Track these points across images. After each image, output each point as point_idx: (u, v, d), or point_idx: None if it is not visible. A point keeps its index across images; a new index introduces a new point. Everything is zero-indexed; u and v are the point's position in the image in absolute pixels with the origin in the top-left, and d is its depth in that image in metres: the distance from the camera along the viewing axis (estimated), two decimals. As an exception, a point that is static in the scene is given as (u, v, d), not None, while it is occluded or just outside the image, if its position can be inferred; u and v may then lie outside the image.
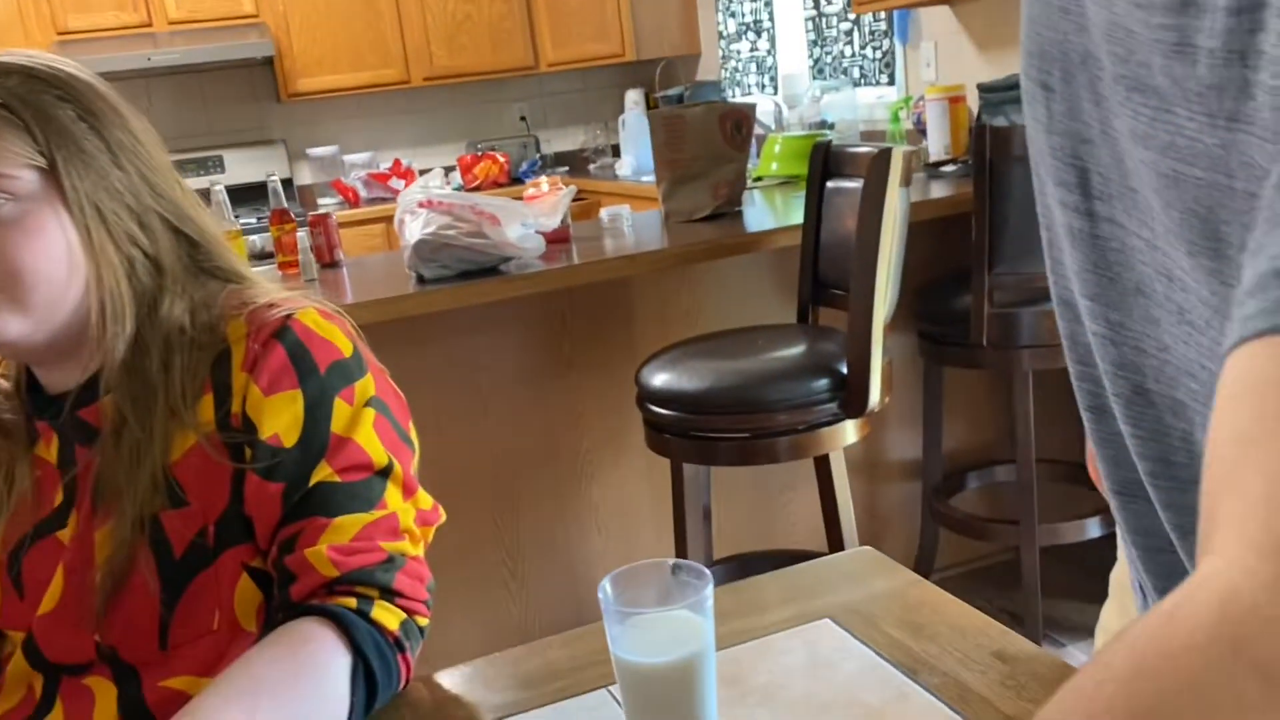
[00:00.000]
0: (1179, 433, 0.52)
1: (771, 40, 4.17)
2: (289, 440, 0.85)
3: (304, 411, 0.86)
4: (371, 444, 0.87)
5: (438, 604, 2.33)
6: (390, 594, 0.84)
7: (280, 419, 0.85)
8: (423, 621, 0.88)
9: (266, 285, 0.96)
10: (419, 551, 0.89)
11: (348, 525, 0.84)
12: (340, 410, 0.87)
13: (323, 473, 0.85)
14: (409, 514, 0.88)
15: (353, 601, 0.83)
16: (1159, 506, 0.55)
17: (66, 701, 0.89)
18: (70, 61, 0.91)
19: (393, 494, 0.87)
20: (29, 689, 0.90)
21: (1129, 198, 0.49)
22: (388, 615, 0.83)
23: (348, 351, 0.90)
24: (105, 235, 0.86)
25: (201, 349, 0.88)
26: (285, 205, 2.49)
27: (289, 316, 0.88)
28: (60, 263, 0.85)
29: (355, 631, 0.81)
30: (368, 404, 0.89)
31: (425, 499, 0.92)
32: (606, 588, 0.77)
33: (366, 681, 0.81)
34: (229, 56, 4.43)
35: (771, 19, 4.15)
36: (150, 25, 4.38)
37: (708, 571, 0.78)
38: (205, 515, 0.86)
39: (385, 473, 0.88)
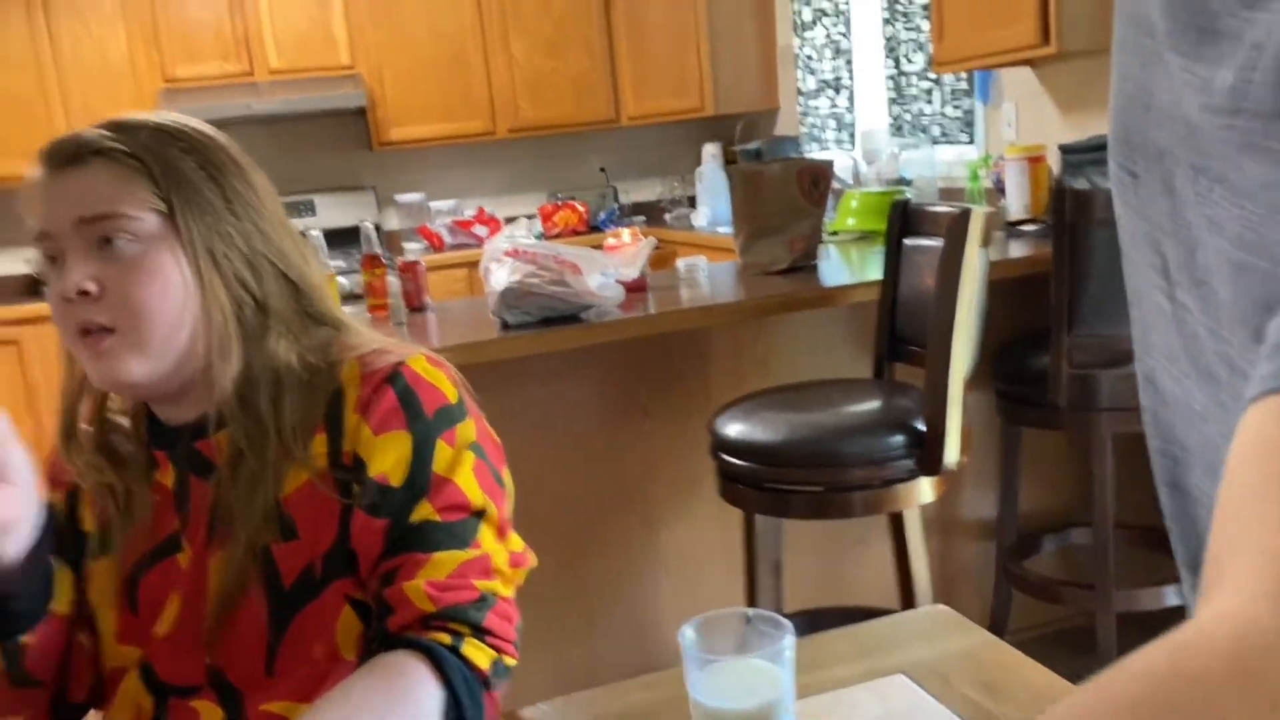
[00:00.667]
0: None
1: (850, 97, 4.21)
2: (395, 479, 0.90)
3: (410, 452, 0.90)
4: (469, 486, 0.91)
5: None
6: (481, 632, 0.87)
7: (388, 458, 0.90)
8: (510, 661, 0.90)
9: (369, 332, 1.01)
10: (509, 592, 0.92)
11: (444, 562, 0.88)
12: (442, 452, 0.91)
13: (424, 511, 0.89)
14: (501, 555, 0.92)
15: (446, 638, 0.86)
16: None
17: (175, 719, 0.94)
18: (197, 120, 0.99)
19: (487, 535, 0.91)
20: (138, 709, 0.95)
21: (1199, 289, 0.51)
22: (478, 653, 0.87)
23: (452, 398, 0.95)
24: (216, 276, 0.92)
25: (314, 390, 0.93)
26: (377, 250, 2.58)
27: (400, 363, 0.94)
28: (175, 302, 0.91)
29: (447, 666, 0.84)
30: (468, 448, 0.93)
31: (516, 541, 0.96)
32: (688, 633, 0.80)
33: (456, 714, 0.84)
34: (325, 106, 4.62)
35: (851, 77, 4.19)
36: (252, 75, 4.59)
37: (787, 622, 0.80)
38: (314, 548, 0.91)
39: (481, 514, 0.92)
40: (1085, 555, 2.52)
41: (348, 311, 1.09)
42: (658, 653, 2.55)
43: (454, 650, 0.86)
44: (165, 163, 0.93)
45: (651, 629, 2.55)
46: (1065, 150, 2.72)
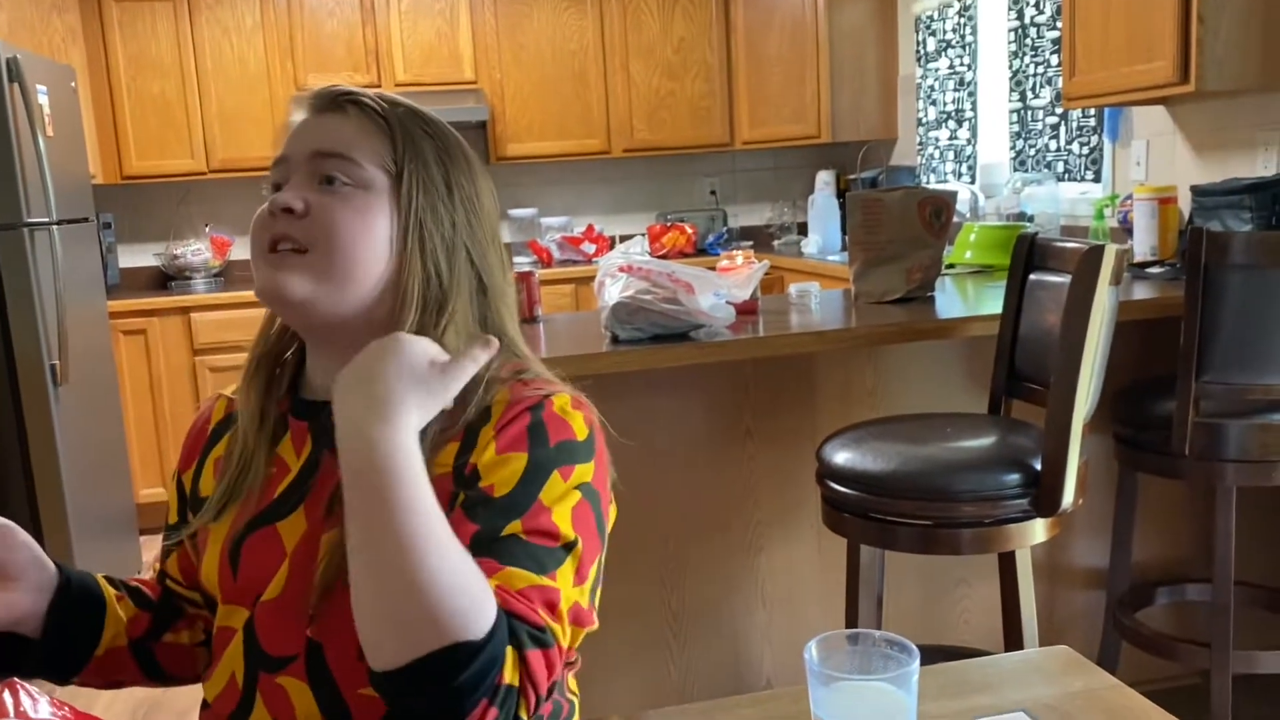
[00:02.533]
0: None
1: (972, 130, 4.15)
2: (500, 492, 0.90)
3: (523, 471, 0.91)
4: (565, 521, 0.90)
5: (602, 655, 2.37)
6: (524, 661, 0.81)
7: (501, 474, 0.91)
8: (522, 714, 0.82)
9: (533, 358, 1.03)
10: (564, 642, 0.86)
11: (517, 577, 0.85)
12: (554, 483, 0.91)
13: (514, 528, 0.88)
14: (570, 599, 0.88)
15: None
16: None
17: (266, 699, 0.96)
18: (446, 122, 1.05)
19: (566, 571, 0.88)
20: (231, 680, 0.98)
21: None
22: (510, 672, 0.80)
23: (581, 436, 0.95)
24: (418, 245, 0.97)
25: (462, 404, 0.93)
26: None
27: (545, 396, 0.95)
28: (369, 246, 0.96)
29: (499, 629, 0.79)
30: (579, 487, 0.92)
31: (588, 595, 0.91)
32: (812, 650, 0.80)
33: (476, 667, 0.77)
34: (447, 119, 4.72)
35: (974, 109, 4.13)
36: (380, 85, 4.74)
37: (914, 647, 0.79)
38: None
39: (568, 548, 0.89)
40: (1200, 611, 2.42)
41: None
42: (749, 677, 2.53)
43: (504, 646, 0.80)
44: (408, 134, 0.99)
45: (745, 654, 2.53)
46: (1198, 192, 2.63)
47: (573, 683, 1.07)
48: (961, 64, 4.16)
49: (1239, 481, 2.15)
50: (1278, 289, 2.01)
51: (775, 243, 5.10)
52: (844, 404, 2.47)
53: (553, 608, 0.86)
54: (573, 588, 0.89)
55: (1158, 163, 3.07)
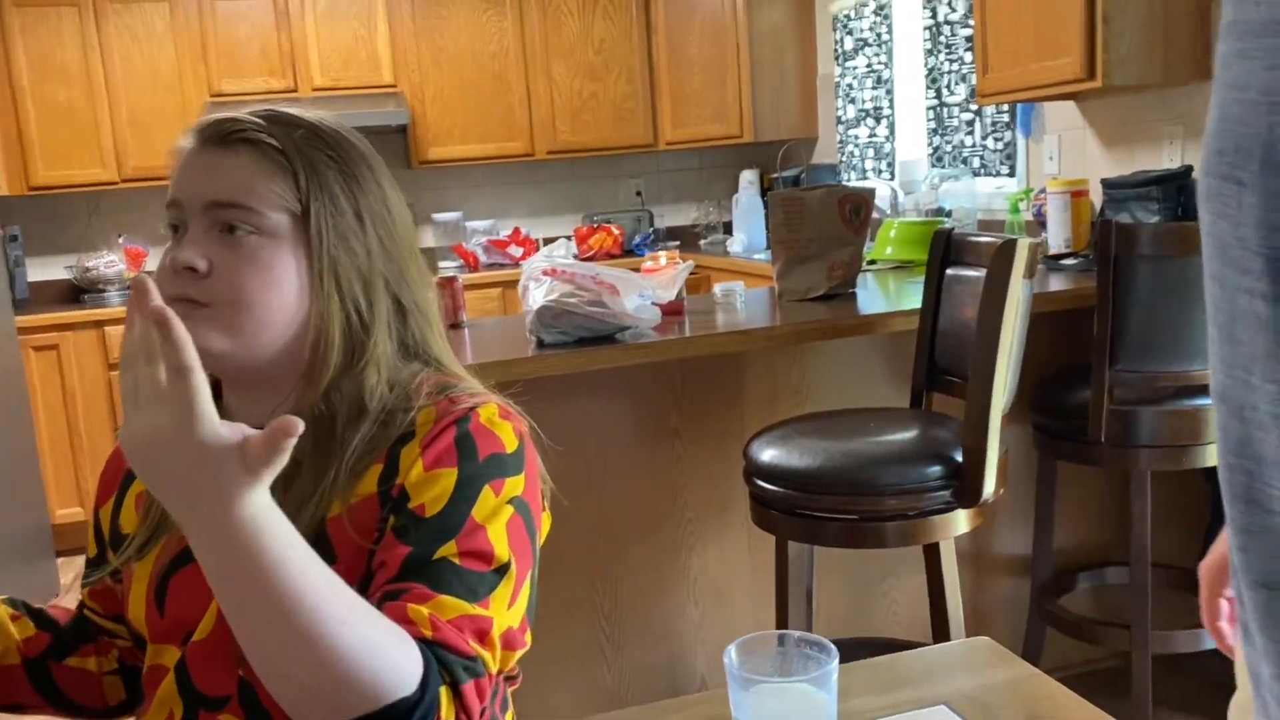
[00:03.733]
0: None
1: (891, 127, 4.21)
2: (431, 511, 0.88)
3: (453, 488, 0.88)
4: (499, 539, 0.88)
5: (536, 660, 2.35)
6: (459, 695, 0.80)
7: (431, 492, 0.88)
8: None
9: (463, 375, 1.00)
10: (494, 669, 0.85)
11: (449, 606, 0.83)
12: (486, 498, 0.89)
13: (447, 550, 0.86)
14: (502, 625, 0.86)
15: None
16: None
17: None
18: (352, 129, 1.00)
19: (500, 596, 0.87)
20: (170, 716, 0.95)
21: None
22: (445, 709, 0.79)
23: (511, 448, 0.93)
24: (333, 289, 0.93)
25: (387, 426, 0.91)
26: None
27: (471, 409, 0.93)
28: (281, 302, 0.92)
29: (431, 670, 0.78)
30: (511, 501, 0.90)
31: (519, 614, 0.90)
32: (732, 654, 0.80)
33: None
34: (366, 123, 4.67)
35: (892, 106, 4.19)
36: (296, 91, 4.65)
37: (833, 646, 0.80)
38: (349, 576, 0.87)
39: (501, 571, 0.87)
40: (1121, 594, 2.48)
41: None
42: (683, 678, 2.53)
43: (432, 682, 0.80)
44: (311, 166, 0.93)
45: (679, 654, 2.53)
46: (1108, 185, 2.70)
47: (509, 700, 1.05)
48: (879, 62, 4.22)
49: (1152, 466, 2.21)
50: (1184, 279, 2.06)
51: (701, 242, 5.13)
52: (770, 402, 2.49)
53: (484, 636, 0.84)
54: (506, 611, 0.87)
55: (1070, 157, 3.15)
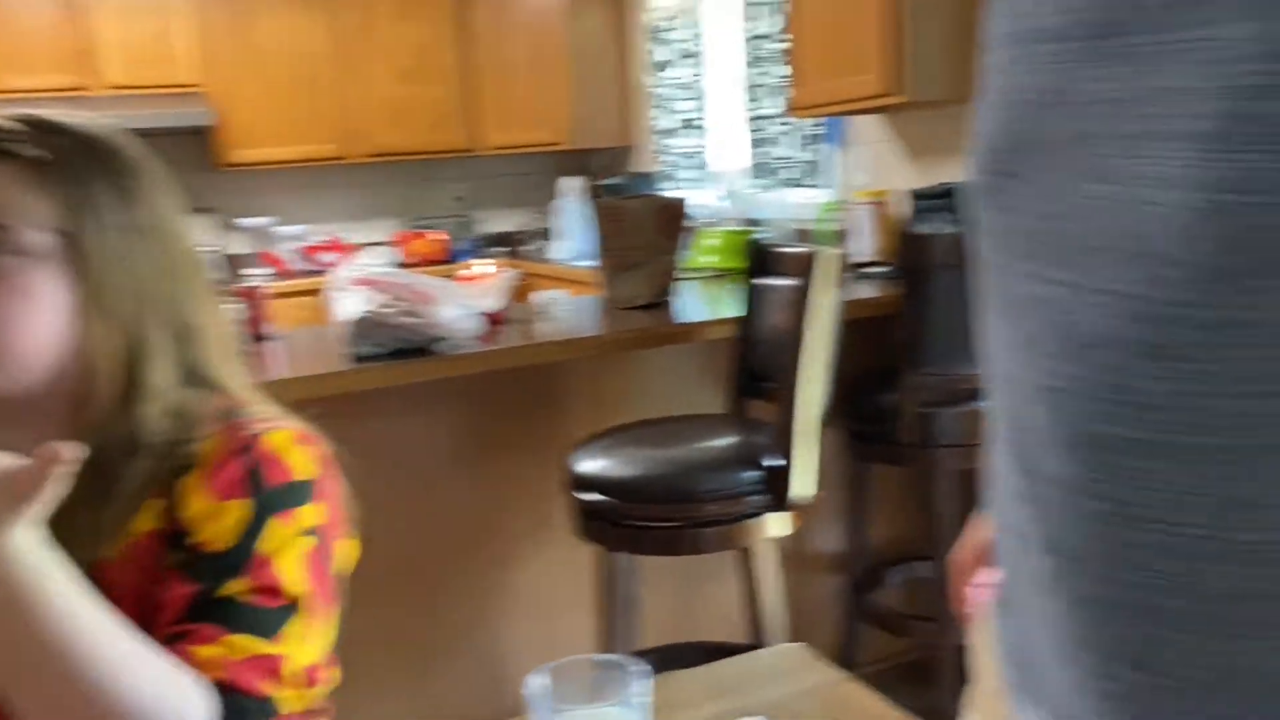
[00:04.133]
0: None
1: (708, 137, 4.29)
2: (216, 546, 0.82)
3: (238, 523, 0.83)
4: (292, 572, 0.83)
5: (352, 689, 2.25)
6: None
7: (215, 526, 0.83)
8: None
9: (255, 399, 0.93)
10: (294, 708, 0.82)
11: (239, 645, 0.79)
12: (273, 530, 0.84)
13: (235, 587, 0.81)
14: (299, 661, 0.82)
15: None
16: None
17: None
18: (123, 133, 0.91)
19: (294, 632, 0.82)
20: None
21: (1087, 257, 0.57)
22: None
23: (304, 475, 0.87)
24: (101, 315, 0.84)
25: (167, 459, 0.85)
26: (216, 275, 2.46)
27: (258, 436, 0.87)
28: (38, 328, 0.83)
29: (219, 715, 0.75)
30: (306, 533, 0.85)
31: (319, 648, 0.86)
32: (534, 683, 0.77)
33: None
34: (167, 124, 4.41)
35: (710, 117, 4.27)
36: (88, 89, 4.35)
37: (642, 666, 0.78)
38: (130, 620, 0.83)
39: (295, 606, 0.83)
40: (929, 589, 2.59)
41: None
42: (508, 696, 2.49)
43: None
44: (78, 181, 0.84)
45: (504, 673, 2.48)
46: (913, 196, 2.83)
47: None
48: (695, 74, 4.29)
49: (955, 465, 2.32)
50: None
51: (525, 248, 5.09)
52: (595, 411, 2.48)
53: (278, 674, 0.80)
54: (303, 647, 0.82)
55: (878, 169, 3.28)
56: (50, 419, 0.87)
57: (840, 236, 3.23)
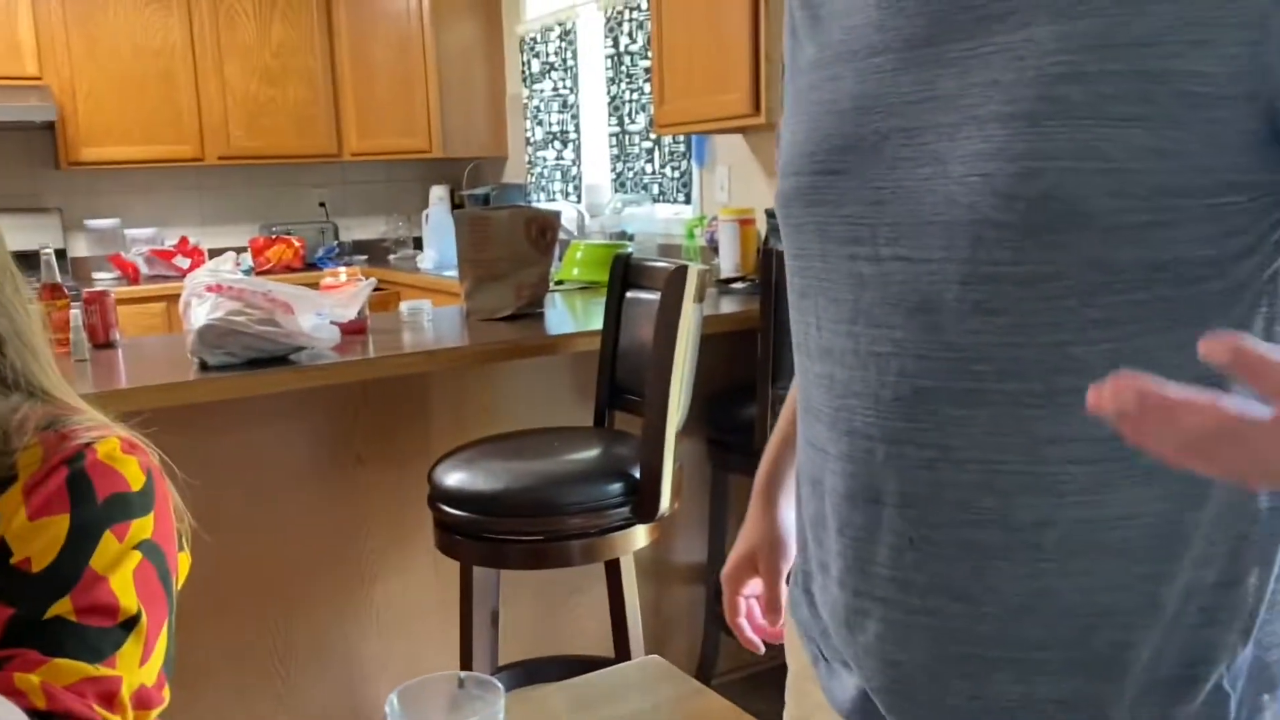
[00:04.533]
0: None
1: (577, 151, 4.31)
2: (39, 564, 0.77)
3: (65, 538, 0.78)
4: (125, 590, 0.79)
5: (204, 706, 2.18)
6: None
7: (37, 543, 0.78)
8: None
9: (76, 407, 0.88)
10: None
11: (66, 671, 0.75)
12: (107, 545, 0.79)
13: (62, 608, 0.77)
14: (133, 684, 0.78)
15: None
16: None
17: None
18: None
19: (129, 654, 0.78)
20: None
21: (920, 229, 0.65)
22: None
23: (136, 486, 0.83)
24: None
25: (25, 483, 0.79)
26: (58, 279, 2.34)
27: (86, 445, 0.82)
28: None
29: None
30: (138, 546, 0.81)
31: (153, 671, 0.82)
32: (394, 703, 0.76)
33: None
34: (6, 118, 4.17)
35: (578, 130, 4.29)
36: (-86, 77, 4.08)
37: (499, 684, 0.78)
38: None
39: (129, 625, 0.79)
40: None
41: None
42: (366, 711, 2.44)
43: None
44: None
45: (362, 690, 2.43)
46: (771, 214, 2.91)
47: None
48: (565, 86, 4.31)
49: (812, 476, 2.38)
50: (836, 303, 2.25)
51: (391, 257, 5.00)
52: (459, 423, 2.45)
53: (111, 699, 0.75)
54: (137, 669, 0.79)
55: (739, 186, 3.36)
56: None
57: (705, 252, 3.29)
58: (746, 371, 2.40)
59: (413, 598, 2.46)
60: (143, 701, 0.79)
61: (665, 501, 1.95)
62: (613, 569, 2.01)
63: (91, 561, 0.78)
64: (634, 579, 2.04)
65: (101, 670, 0.76)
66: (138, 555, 0.81)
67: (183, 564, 0.90)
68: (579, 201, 4.22)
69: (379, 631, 2.43)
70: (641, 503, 1.95)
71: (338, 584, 2.38)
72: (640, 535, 1.99)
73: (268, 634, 2.31)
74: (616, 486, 1.93)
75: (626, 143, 3.92)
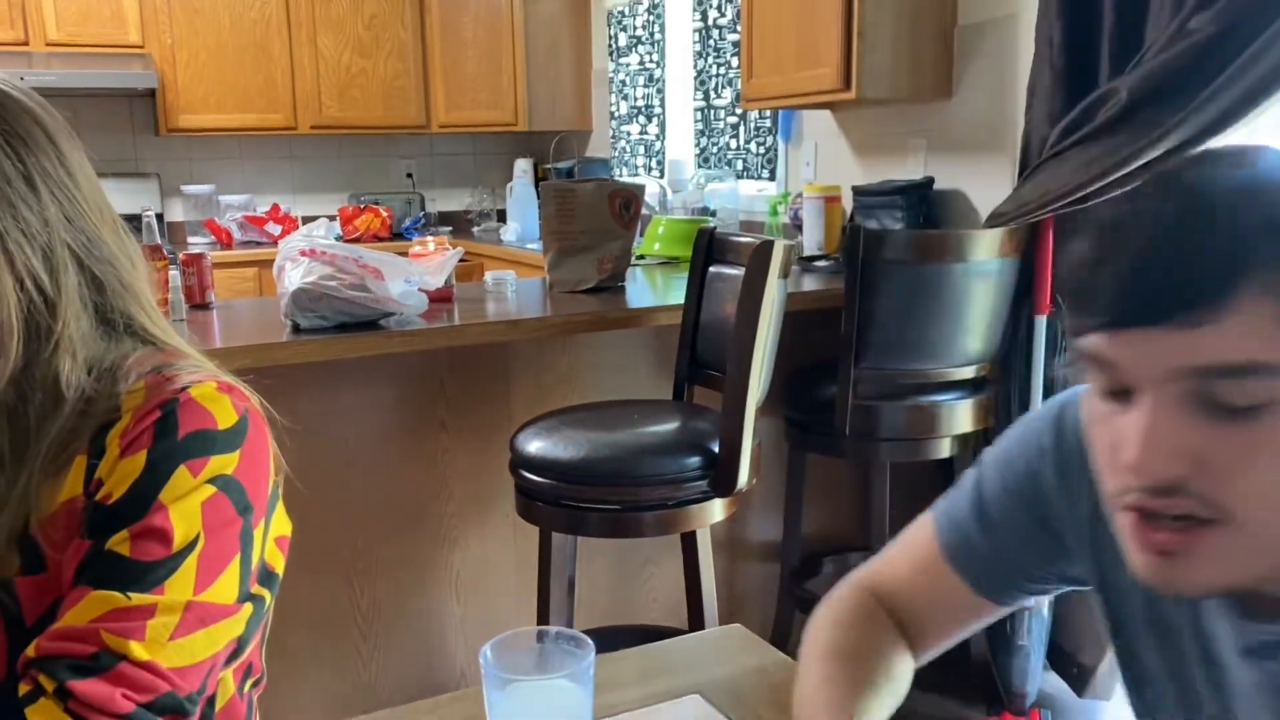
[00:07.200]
0: None
1: (661, 126, 4.31)
2: (114, 498, 0.80)
3: (141, 471, 0.81)
4: (187, 519, 0.81)
5: (288, 662, 2.24)
6: (65, 693, 0.74)
7: (117, 477, 0.81)
8: None
9: (183, 352, 0.91)
10: (157, 658, 0.77)
11: (97, 604, 0.77)
12: (179, 479, 0.81)
13: (120, 539, 0.79)
14: (176, 604, 0.79)
15: (26, 687, 0.75)
16: None
17: None
18: (14, 83, 0.87)
19: (180, 579, 0.79)
20: None
21: None
22: (45, 715, 0.74)
23: (224, 424, 0.85)
24: (5, 264, 0.81)
25: (90, 415, 0.83)
26: (159, 241, 2.42)
27: (183, 388, 0.85)
28: None
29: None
30: (214, 480, 0.83)
31: (223, 594, 0.83)
32: (487, 654, 0.78)
33: None
34: (109, 84, 4.30)
35: (663, 105, 4.28)
36: (27, 44, 4.22)
37: (589, 640, 0.80)
38: (61, 584, 0.81)
39: (184, 553, 0.80)
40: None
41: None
42: (444, 674, 2.49)
43: (25, 702, 0.74)
44: None
45: (439, 651, 2.49)
46: (858, 192, 2.87)
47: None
48: (651, 61, 4.30)
49: (892, 458, 2.36)
50: (924, 283, 2.22)
51: (474, 229, 5.06)
52: (539, 393, 2.48)
53: (139, 628, 0.77)
54: (191, 592, 0.80)
55: (825, 163, 3.32)
56: None
57: (788, 229, 3.27)
58: (827, 351, 2.38)
59: (491, 563, 2.51)
60: (203, 618, 0.80)
61: (743, 476, 1.95)
62: (689, 541, 2.02)
63: (160, 494, 0.80)
64: (710, 552, 2.05)
65: (140, 599, 0.77)
66: (210, 489, 0.82)
67: (273, 504, 0.92)
68: (661, 176, 4.21)
69: (457, 595, 2.48)
70: (720, 477, 1.95)
71: (418, 546, 2.43)
72: (717, 509, 1.99)
73: (351, 592, 2.37)
74: (694, 460, 1.94)
75: (711, 117, 3.90)
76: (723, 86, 3.80)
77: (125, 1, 4.35)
